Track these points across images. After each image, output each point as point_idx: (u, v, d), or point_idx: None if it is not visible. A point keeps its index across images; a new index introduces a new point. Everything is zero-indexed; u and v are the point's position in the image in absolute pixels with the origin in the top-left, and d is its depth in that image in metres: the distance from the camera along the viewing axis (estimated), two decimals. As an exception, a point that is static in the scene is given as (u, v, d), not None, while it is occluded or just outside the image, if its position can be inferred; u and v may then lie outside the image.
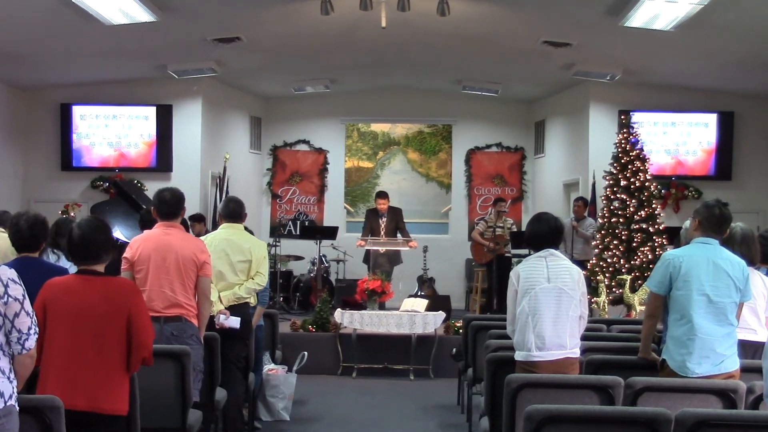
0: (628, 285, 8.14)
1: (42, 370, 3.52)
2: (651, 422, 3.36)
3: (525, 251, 9.50)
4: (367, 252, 10.64)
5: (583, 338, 4.73)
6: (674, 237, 7.10)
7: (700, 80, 11.06)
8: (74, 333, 3.52)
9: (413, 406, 7.61)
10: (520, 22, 9.08)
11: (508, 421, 4.06)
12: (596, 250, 9.65)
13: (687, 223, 5.16)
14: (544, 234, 4.69)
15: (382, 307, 9.09)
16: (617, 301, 8.62)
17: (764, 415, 3.51)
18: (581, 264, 9.10)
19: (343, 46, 10.45)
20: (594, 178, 11.09)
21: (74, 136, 11.81)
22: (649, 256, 9.19)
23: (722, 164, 11.64)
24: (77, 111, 11.81)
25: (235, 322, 5.51)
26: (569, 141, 12.45)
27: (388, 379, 8.77)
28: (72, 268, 4.34)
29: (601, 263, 9.43)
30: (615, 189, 9.68)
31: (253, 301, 5.90)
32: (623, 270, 9.22)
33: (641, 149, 9.78)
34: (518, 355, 4.58)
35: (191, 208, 9.78)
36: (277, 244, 11.50)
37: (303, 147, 13.82)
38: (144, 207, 8.71)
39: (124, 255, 4.93)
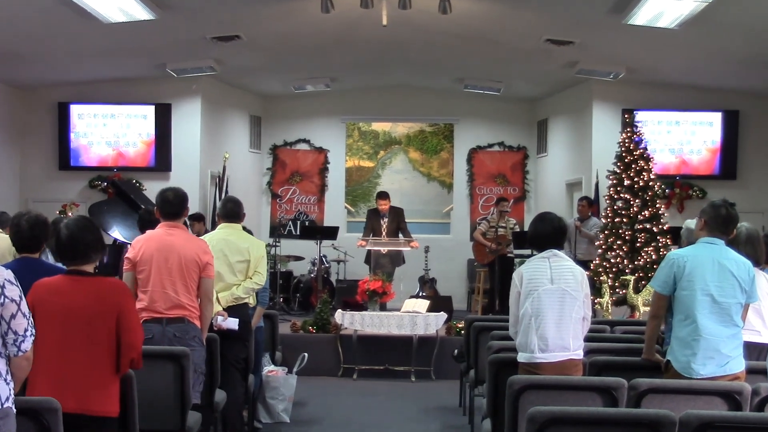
0: (631, 285, 8.12)
1: (31, 371, 3.45)
2: (654, 424, 3.34)
3: (527, 251, 9.48)
4: (369, 252, 10.61)
5: (587, 339, 4.70)
6: (678, 237, 7.04)
7: (704, 79, 11.01)
8: (63, 334, 3.49)
9: (414, 408, 7.58)
10: (522, 20, 9.05)
11: (510, 423, 4.03)
12: (599, 251, 9.60)
13: (686, 223, 5.19)
14: (548, 234, 4.65)
15: (383, 307, 9.07)
16: (621, 301, 8.60)
17: (770, 417, 3.48)
18: (585, 264, 9.08)
19: (343, 45, 10.43)
20: (597, 177, 11.06)
21: (72, 136, 11.78)
22: (653, 257, 9.17)
23: (727, 163, 11.58)
24: (75, 110, 11.78)
25: (233, 323, 5.48)
26: (572, 140, 12.40)
27: (389, 380, 8.74)
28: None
29: (604, 263, 9.42)
30: (618, 188, 9.69)
31: (252, 301, 5.88)
32: (627, 270, 9.21)
33: (645, 148, 9.78)
34: (521, 357, 4.55)
35: (190, 207, 9.70)
36: (277, 244, 11.49)
37: (303, 146, 13.77)
38: (143, 207, 8.68)
39: (127, 255, 4.91)
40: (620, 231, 9.47)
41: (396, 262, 10.70)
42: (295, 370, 7.19)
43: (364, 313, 8.80)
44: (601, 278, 8.82)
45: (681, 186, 11.61)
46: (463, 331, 7.77)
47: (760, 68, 9.85)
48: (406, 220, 10.87)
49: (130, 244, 5.52)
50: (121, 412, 3.79)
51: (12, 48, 9.47)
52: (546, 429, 3.37)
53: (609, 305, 8.28)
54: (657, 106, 11.53)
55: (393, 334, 8.78)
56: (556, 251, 4.61)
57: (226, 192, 11.49)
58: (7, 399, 3.02)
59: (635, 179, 9.56)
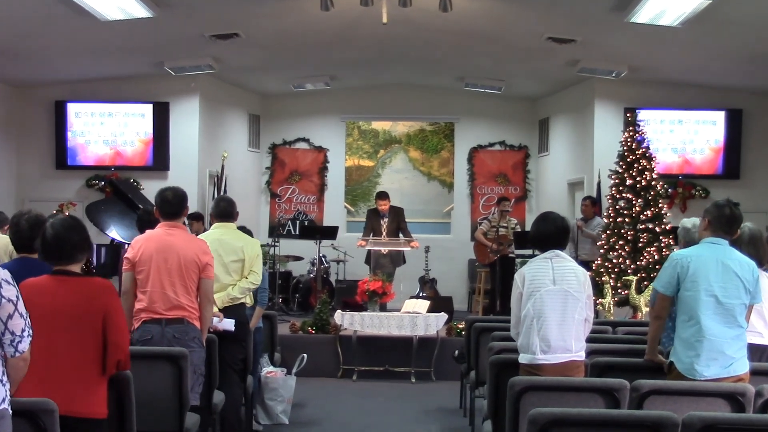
0: (634, 286, 8.10)
1: None
2: (657, 426, 3.34)
3: (529, 251, 9.44)
4: (369, 252, 10.60)
5: (588, 340, 4.70)
6: (680, 237, 7.04)
7: (707, 77, 10.96)
8: (49, 335, 3.45)
9: (415, 410, 7.57)
10: (523, 18, 9.01)
11: (511, 424, 4.03)
12: (601, 251, 9.56)
13: (683, 222, 5.21)
14: (551, 234, 4.63)
15: (383, 308, 9.08)
16: (623, 302, 8.60)
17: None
18: (588, 265, 9.05)
19: (343, 43, 10.39)
20: (599, 177, 11.02)
21: (69, 134, 11.72)
22: (656, 257, 9.16)
23: (730, 163, 11.52)
24: (72, 108, 11.72)
25: (229, 324, 5.45)
26: (574, 139, 12.36)
27: (389, 381, 8.72)
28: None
29: (606, 264, 9.40)
30: (621, 188, 9.67)
31: (248, 301, 5.88)
32: (629, 271, 9.18)
33: (647, 147, 9.75)
34: (522, 358, 4.54)
35: (189, 207, 9.67)
36: (276, 244, 11.44)
37: (302, 145, 13.72)
38: (141, 206, 8.63)
39: (126, 255, 4.89)
40: (622, 231, 9.45)
41: (396, 263, 10.70)
42: (294, 371, 7.18)
43: (363, 313, 8.79)
44: (603, 278, 8.79)
45: (684, 185, 11.55)
46: (463, 332, 7.76)
47: (763, 66, 9.80)
48: (407, 220, 10.86)
49: (128, 243, 5.49)
50: (118, 414, 3.82)
51: (8, 45, 9.43)
52: (547, 431, 3.37)
53: (611, 306, 8.26)
54: (659, 104, 11.48)
55: (393, 335, 8.76)
56: (558, 252, 4.60)
57: (225, 191, 11.45)
58: (3, 400, 3.00)
59: (637, 179, 9.54)
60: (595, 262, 9.54)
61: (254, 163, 13.53)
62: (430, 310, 8.90)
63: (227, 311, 5.50)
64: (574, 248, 10.29)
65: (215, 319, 5.34)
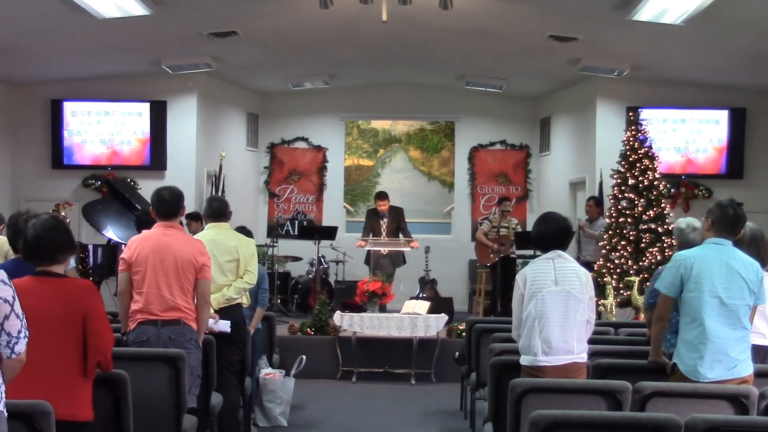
0: (636, 287, 8.09)
1: None
2: (660, 428, 3.35)
3: (530, 252, 9.39)
4: (368, 253, 10.60)
5: (590, 342, 4.70)
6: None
7: (710, 76, 10.92)
8: (31, 337, 3.37)
9: (415, 412, 7.56)
10: (524, 16, 8.97)
11: (512, 426, 4.03)
12: (603, 251, 9.52)
13: (678, 222, 5.22)
14: (553, 234, 4.62)
15: (382, 309, 9.11)
16: (625, 303, 8.61)
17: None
18: (591, 266, 9.00)
19: (342, 41, 10.36)
20: (601, 176, 10.97)
21: (65, 133, 11.66)
22: (658, 257, 9.12)
23: (734, 162, 11.46)
24: (68, 107, 11.66)
25: (224, 325, 5.42)
26: (575, 138, 12.32)
27: (389, 383, 8.70)
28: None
29: (608, 264, 9.36)
30: (623, 188, 9.64)
31: (245, 301, 5.84)
32: (631, 271, 9.14)
33: (650, 147, 9.71)
34: (524, 360, 4.53)
35: (186, 207, 9.63)
36: (275, 244, 11.40)
37: (301, 144, 13.67)
38: (138, 206, 8.58)
39: (122, 255, 4.87)
40: (624, 231, 9.40)
41: (396, 263, 10.69)
42: (292, 372, 7.18)
43: (363, 314, 8.78)
44: (605, 279, 8.75)
45: (686, 185, 11.49)
46: (464, 333, 7.73)
47: (767, 65, 9.74)
48: (406, 220, 10.84)
49: (124, 244, 5.44)
50: (114, 416, 3.83)
51: (3, 44, 9.39)
52: (548, 433, 3.36)
53: (613, 307, 8.22)
54: (662, 103, 11.43)
55: (393, 336, 8.74)
56: (560, 252, 4.59)
57: (223, 191, 11.40)
58: None
59: (640, 178, 9.50)
60: (597, 263, 9.49)
61: (252, 162, 13.48)
62: (431, 311, 8.88)
63: (223, 312, 5.47)
64: (577, 249, 10.24)
65: (211, 321, 5.30)
